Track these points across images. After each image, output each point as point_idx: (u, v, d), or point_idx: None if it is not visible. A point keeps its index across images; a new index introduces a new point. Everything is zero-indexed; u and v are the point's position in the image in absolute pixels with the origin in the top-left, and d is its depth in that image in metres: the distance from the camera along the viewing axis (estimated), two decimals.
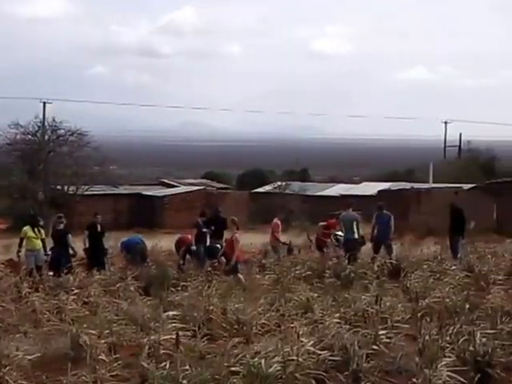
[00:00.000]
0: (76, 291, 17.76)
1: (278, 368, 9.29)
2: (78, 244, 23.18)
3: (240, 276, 20.42)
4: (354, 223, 24.05)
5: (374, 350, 10.95)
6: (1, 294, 18.13)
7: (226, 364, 9.55)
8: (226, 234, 22.94)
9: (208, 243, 24.13)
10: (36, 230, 22.36)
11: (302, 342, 10.25)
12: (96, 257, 22.84)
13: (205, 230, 24.23)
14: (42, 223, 23.11)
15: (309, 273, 20.33)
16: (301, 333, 10.72)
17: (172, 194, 58.67)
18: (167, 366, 9.53)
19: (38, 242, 22.25)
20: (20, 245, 22.21)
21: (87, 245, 23.15)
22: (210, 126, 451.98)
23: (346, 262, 21.30)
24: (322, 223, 27.30)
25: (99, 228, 23.37)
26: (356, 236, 24.09)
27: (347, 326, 11.85)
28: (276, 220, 27.15)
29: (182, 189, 62.08)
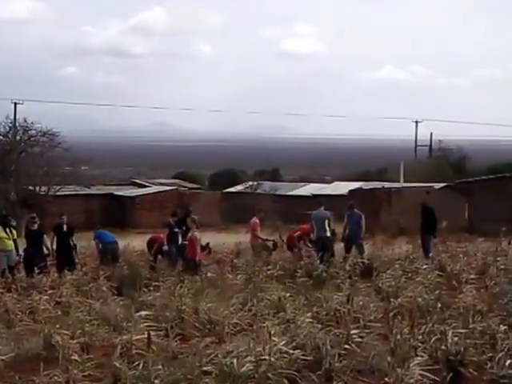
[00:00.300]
0: (49, 291, 17.75)
1: (251, 367, 9.32)
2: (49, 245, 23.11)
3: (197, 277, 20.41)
4: (326, 221, 24.14)
5: (346, 349, 10.98)
6: None
7: (198, 364, 9.57)
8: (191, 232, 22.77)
9: (180, 243, 24.12)
10: (8, 230, 22.28)
11: (274, 341, 10.27)
12: (64, 257, 22.75)
13: (176, 229, 24.24)
14: (14, 224, 23.01)
15: (281, 272, 20.34)
16: (273, 332, 10.72)
17: (144, 194, 58.68)
18: (140, 365, 9.55)
19: (10, 243, 22.16)
20: None
21: (54, 246, 23.04)
22: (180, 127, 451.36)
23: (319, 260, 21.32)
24: (296, 232, 27.06)
25: (65, 228, 23.25)
26: (328, 234, 24.19)
27: (319, 326, 11.88)
28: (255, 219, 27.05)
29: (153, 189, 62.10)
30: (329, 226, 24.18)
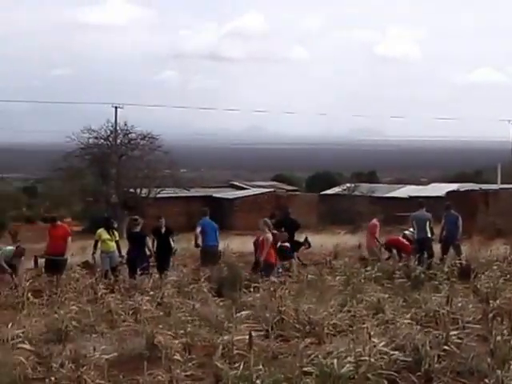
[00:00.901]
0: (151, 292, 17.95)
1: (351, 368, 9.29)
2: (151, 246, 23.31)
3: (272, 279, 20.40)
4: (427, 222, 23.96)
5: (445, 350, 10.85)
6: (77, 295, 18.37)
7: (298, 364, 9.56)
8: (261, 235, 22.68)
9: (278, 244, 24.08)
10: (110, 232, 22.61)
11: (373, 342, 10.23)
12: (163, 258, 22.96)
13: (275, 231, 24.24)
14: (115, 225, 23.34)
15: (379, 274, 20.27)
16: (372, 333, 10.67)
17: (242, 197, 59.00)
18: (241, 366, 9.58)
19: (113, 244, 22.49)
20: (95, 247, 22.47)
21: (154, 248, 23.22)
22: (276, 130, 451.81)
23: (417, 262, 21.15)
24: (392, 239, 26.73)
25: (163, 231, 23.43)
26: (429, 235, 24.00)
27: (418, 327, 11.78)
28: (375, 221, 26.68)
29: (251, 191, 62.35)
30: (430, 227, 23.99)
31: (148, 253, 22.78)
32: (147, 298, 16.65)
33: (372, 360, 9.63)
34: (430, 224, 23.99)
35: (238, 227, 47.13)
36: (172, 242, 23.43)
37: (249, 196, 60.10)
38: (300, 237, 25.66)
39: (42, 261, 23.99)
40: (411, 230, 25.70)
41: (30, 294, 19.18)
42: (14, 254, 23.66)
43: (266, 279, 19.65)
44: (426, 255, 22.42)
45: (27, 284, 20.91)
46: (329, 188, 69.89)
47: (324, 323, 12.91)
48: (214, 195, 60.36)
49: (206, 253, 23.32)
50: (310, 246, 26.03)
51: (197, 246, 23.87)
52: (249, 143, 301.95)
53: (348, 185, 67.94)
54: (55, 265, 21.80)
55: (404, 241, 25.65)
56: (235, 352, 10.79)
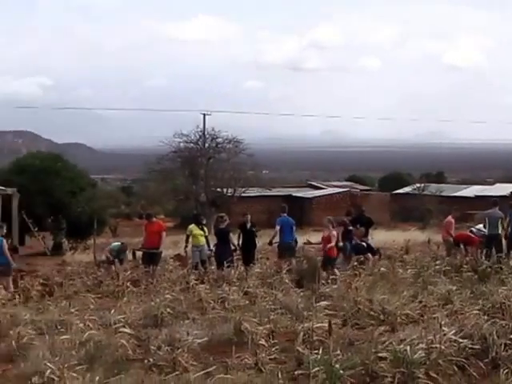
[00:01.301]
0: (237, 283, 18.10)
1: (422, 354, 9.25)
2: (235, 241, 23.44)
3: (335, 270, 20.41)
4: (500, 220, 23.71)
5: (511, 339, 10.76)
6: (171, 284, 18.62)
7: (373, 350, 9.56)
8: (325, 232, 22.58)
9: (354, 241, 24.01)
10: (200, 227, 22.83)
11: (443, 330, 10.17)
12: (248, 252, 23.07)
13: (351, 228, 24.16)
14: (204, 222, 23.54)
15: (447, 267, 20.13)
16: (442, 322, 10.61)
17: (320, 196, 59.10)
18: (320, 351, 9.61)
19: (203, 239, 22.69)
20: (186, 241, 22.68)
21: (240, 242, 23.33)
22: (349, 134, 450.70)
23: (483, 256, 20.92)
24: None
25: (248, 226, 23.51)
26: (500, 232, 23.74)
27: (485, 317, 11.64)
28: (450, 218, 26.36)
29: (328, 191, 62.46)
30: (502, 225, 23.72)
31: (232, 247, 22.96)
32: (234, 288, 16.79)
33: (442, 347, 9.58)
34: (501, 222, 23.72)
35: (316, 223, 46.93)
36: (255, 238, 23.52)
37: (325, 195, 60.28)
38: (376, 234, 25.55)
39: (139, 253, 24.32)
40: (477, 226, 25.45)
41: (129, 284, 19.52)
42: (122, 249, 24.22)
43: (330, 271, 19.95)
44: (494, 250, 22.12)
45: (126, 274, 21.30)
46: (400, 188, 69.63)
47: (397, 313, 12.87)
48: (294, 194, 60.61)
49: (283, 248, 23.34)
50: (380, 255, 25.81)
51: (270, 243, 23.89)
52: (324, 146, 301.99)
53: (418, 185, 67.61)
54: (151, 257, 22.08)
55: (472, 236, 25.34)
56: (315, 338, 10.82)
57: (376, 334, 10.47)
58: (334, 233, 21.75)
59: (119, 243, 25.43)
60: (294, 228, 23.87)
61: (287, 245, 23.26)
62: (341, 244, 23.46)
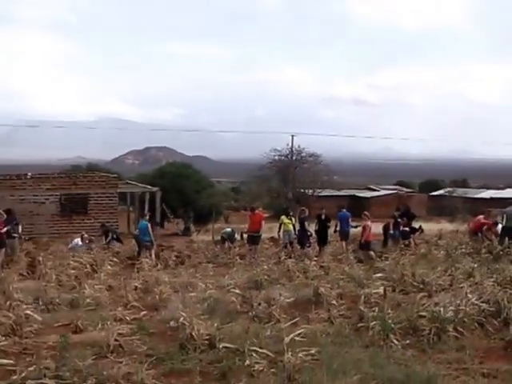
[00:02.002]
0: (315, 259, 18.13)
1: (452, 314, 9.09)
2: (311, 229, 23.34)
3: (371, 252, 20.16)
4: None
5: None
6: (267, 259, 18.78)
7: (415, 310, 9.44)
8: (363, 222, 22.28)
9: (401, 229, 23.72)
10: (289, 217, 22.84)
11: (467, 297, 10.00)
12: (322, 236, 22.94)
13: (399, 220, 23.88)
14: (291, 213, 23.52)
15: (470, 250, 19.80)
16: (467, 291, 10.48)
17: (376, 196, 59.00)
18: (376, 309, 9.55)
19: (290, 226, 22.69)
20: (279, 228, 22.68)
21: (316, 229, 23.22)
22: (400, 150, 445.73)
23: (498, 242, 20.38)
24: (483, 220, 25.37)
25: (323, 217, 23.34)
26: None
27: (499, 287, 11.38)
28: (481, 217, 25.11)
29: (382, 192, 62.32)
30: None
31: (308, 233, 22.88)
32: (313, 262, 16.83)
33: (467, 309, 9.40)
34: None
35: (374, 216, 46.60)
36: (328, 226, 23.40)
37: (379, 195, 60.31)
38: (416, 224, 25.15)
39: (244, 236, 24.49)
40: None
41: (237, 257, 19.71)
42: (232, 233, 24.53)
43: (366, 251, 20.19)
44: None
45: (235, 250, 21.51)
46: (435, 191, 69.02)
47: (432, 283, 12.69)
48: (357, 194, 60.63)
49: (342, 234, 23.20)
50: (422, 231, 25.45)
51: (334, 231, 23.69)
52: (381, 159, 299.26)
53: (448, 189, 67.20)
54: (253, 239, 22.18)
55: (485, 220, 24.41)
56: (372, 300, 10.74)
57: (417, 298, 10.32)
58: (369, 223, 21.47)
59: (230, 229, 25.70)
60: (350, 219, 23.67)
61: (345, 232, 23.12)
62: (391, 231, 23.24)
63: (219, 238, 25.84)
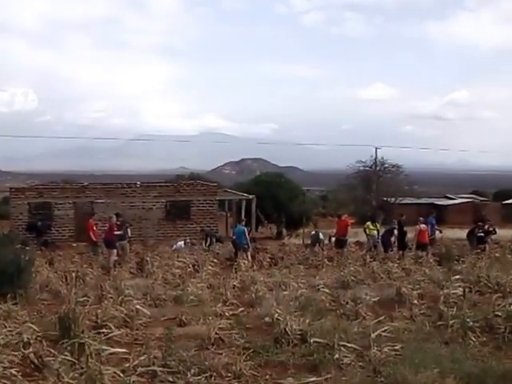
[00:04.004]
0: (397, 261, 17.90)
1: None
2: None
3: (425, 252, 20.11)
4: None
5: None
6: (353, 261, 18.61)
7: (491, 310, 9.20)
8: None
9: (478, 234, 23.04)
10: (374, 224, 22.59)
11: None
12: (402, 241, 22.44)
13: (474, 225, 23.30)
14: (377, 220, 23.25)
15: None
16: None
17: (453, 204, 57.70)
18: (455, 309, 9.35)
19: (375, 232, 22.47)
20: (365, 232, 22.47)
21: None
22: (475, 161, 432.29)
23: None
24: None
25: (403, 223, 22.88)
26: None
27: None
28: None
29: (458, 201, 61.01)
30: None
31: (393, 239, 22.45)
32: (395, 265, 16.61)
33: None
34: None
35: (451, 223, 45.40)
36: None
37: (456, 204, 58.90)
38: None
39: (332, 239, 24.34)
40: None
41: (326, 259, 19.63)
42: (317, 236, 24.33)
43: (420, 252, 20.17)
44: None
45: (324, 253, 21.44)
46: (508, 199, 66.90)
47: (506, 284, 12.34)
48: (435, 202, 59.29)
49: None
50: (495, 232, 24.51)
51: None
52: (455, 170, 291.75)
53: None
54: (340, 242, 22.06)
55: None
56: (451, 300, 10.51)
57: (493, 299, 10.04)
58: (422, 226, 21.49)
59: (314, 231, 25.45)
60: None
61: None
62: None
63: (309, 241, 25.73)
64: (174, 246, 24.36)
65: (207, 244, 25.14)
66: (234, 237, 22.13)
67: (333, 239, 24.13)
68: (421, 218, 22.24)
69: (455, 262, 18.19)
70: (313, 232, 25.23)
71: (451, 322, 8.72)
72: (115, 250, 20.20)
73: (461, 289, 10.97)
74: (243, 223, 22.79)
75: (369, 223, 22.55)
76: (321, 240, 24.32)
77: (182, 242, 24.49)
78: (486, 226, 23.44)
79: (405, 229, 22.53)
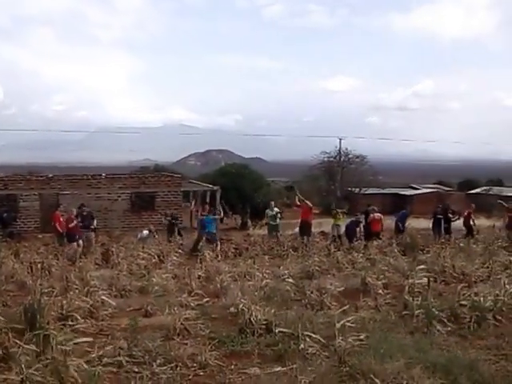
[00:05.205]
0: (362, 251, 17.96)
1: (491, 303, 8.90)
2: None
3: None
4: None
5: None
6: (318, 251, 18.64)
7: (456, 300, 9.24)
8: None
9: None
10: (339, 213, 22.71)
11: (505, 287, 9.77)
12: (367, 231, 22.66)
13: (439, 216, 23.62)
14: (345, 210, 23.38)
15: (506, 244, 19.37)
16: (506, 281, 10.23)
17: (417, 194, 58.31)
18: (420, 298, 9.37)
19: (340, 221, 22.62)
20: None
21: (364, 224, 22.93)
22: (436, 152, 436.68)
23: None
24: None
25: (371, 213, 23.08)
26: None
27: None
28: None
29: (422, 191, 61.61)
30: None
31: (357, 229, 22.60)
32: (360, 255, 16.68)
33: (505, 299, 9.20)
34: None
35: (415, 213, 46.01)
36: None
37: (421, 193, 59.50)
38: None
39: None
40: None
41: (290, 249, 19.65)
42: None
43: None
44: None
45: (288, 243, 21.44)
46: (472, 189, 67.92)
47: (472, 274, 12.46)
48: (400, 193, 59.85)
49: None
50: (458, 218, 24.88)
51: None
52: (419, 160, 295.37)
53: (484, 187, 65.98)
54: (305, 227, 22.12)
55: None
56: (416, 290, 10.53)
57: (458, 288, 10.09)
58: (376, 215, 22.52)
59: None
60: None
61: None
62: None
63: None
64: (139, 235, 24.13)
65: (172, 232, 25.04)
66: (202, 227, 21.87)
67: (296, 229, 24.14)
68: (375, 207, 22.65)
69: (420, 251, 18.35)
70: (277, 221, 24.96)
71: (416, 312, 8.71)
72: (75, 244, 20.03)
73: (425, 279, 10.99)
74: (214, 213, 22.59)
75: (339, 211, 22.68)
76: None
77: (147, 231, 24.28)
78: (450, 214, 23.82)
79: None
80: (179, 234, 25.90)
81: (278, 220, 23.98)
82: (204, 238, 20.93)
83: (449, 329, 8.29)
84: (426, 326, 8.33)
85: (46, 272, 14.46)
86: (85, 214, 21.81)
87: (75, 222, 20.60)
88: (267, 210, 24.19)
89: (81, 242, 20.31)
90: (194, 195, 38.85)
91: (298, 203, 22.85)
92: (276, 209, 24.24)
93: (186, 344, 7.48)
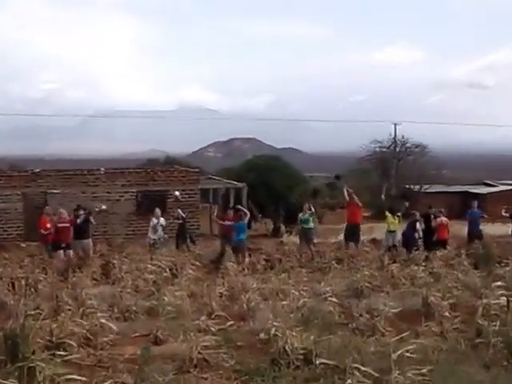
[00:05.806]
0: (423, 264, 17.85)
1: None
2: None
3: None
4: None
5: None
6: (368, 263, 18.56)
7: None
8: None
9: None
10: (395, 217, 22.58)
11: None
12: (429, 238, 22.53)
13: None
14: (399, 214, 23.18)
15: None
16: None
17: (492, 192, 57.95)
18: (497, 323, 9.27)
19: (395, 226, 22.47)
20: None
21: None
22: None
23: None
24: None
25: (432, 216, 22.99)
26: None
27: None
28: None
29: (500, 188, 61.30)
30: None
31: (416, 235, 22.52)
32: (421, 268, 16.58)
33: None
34: None
35: (489, 214, 45.72)
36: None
37: (497, 192, 59.23)
38: None
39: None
40: None
41: (333, 261, 19.61)
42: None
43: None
44: None
45: (331, 253, 21.40)
46: None
47: None
48: (470, 191, 59.64)
49: (472, 235, 22.95)
50: None
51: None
52: (500, 150, 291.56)
53: None
54: (352, 230, 22.10)
55: None
56: (492, 312, 10.43)
57: None
58: (444, 220, 22.67)
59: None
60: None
61: (475, 233, 22.97)
62: None
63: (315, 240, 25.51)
64: (151, 223, 24.17)
65: (183, 239, 25.03)
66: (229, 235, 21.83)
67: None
68: (442, 210, 22.61)
69: (497, 264, 18.18)
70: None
71: (493, 340, 8.63)
72: (61, 252, 20.15)
73: (504, 298, 10.89)
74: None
75: (389, 215, 22.51)
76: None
77: (162, 219, 24.32)
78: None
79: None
80: (191, 240, 25.90)
81: (311, 223, 23.47)
82: (229, 248, 21.00)
83: None
84: (505, 357, 8.23)
85: (32, 289, 14.59)
86: (80, 219, 21.22)
87: (67, 221, 20.66)
88: (299, 215, 23.60)
89: (71, 251, 20.35)
90: (216, 194, 38.99)
91: (347, 198, 22.50)
92: (310, 209, 23.47)
93: (205, 378, 7.50)
